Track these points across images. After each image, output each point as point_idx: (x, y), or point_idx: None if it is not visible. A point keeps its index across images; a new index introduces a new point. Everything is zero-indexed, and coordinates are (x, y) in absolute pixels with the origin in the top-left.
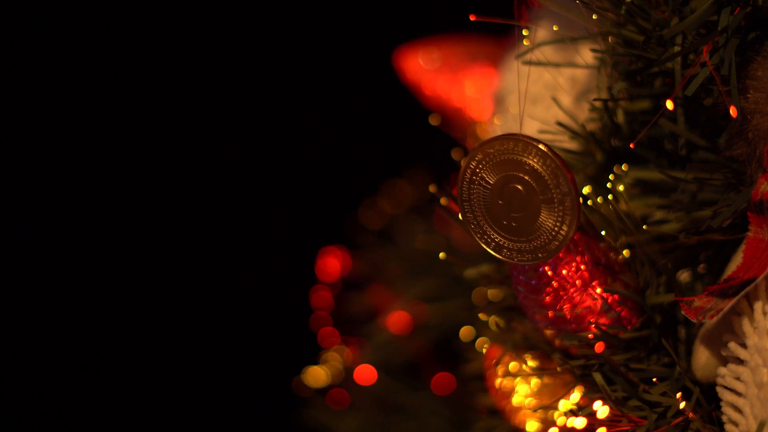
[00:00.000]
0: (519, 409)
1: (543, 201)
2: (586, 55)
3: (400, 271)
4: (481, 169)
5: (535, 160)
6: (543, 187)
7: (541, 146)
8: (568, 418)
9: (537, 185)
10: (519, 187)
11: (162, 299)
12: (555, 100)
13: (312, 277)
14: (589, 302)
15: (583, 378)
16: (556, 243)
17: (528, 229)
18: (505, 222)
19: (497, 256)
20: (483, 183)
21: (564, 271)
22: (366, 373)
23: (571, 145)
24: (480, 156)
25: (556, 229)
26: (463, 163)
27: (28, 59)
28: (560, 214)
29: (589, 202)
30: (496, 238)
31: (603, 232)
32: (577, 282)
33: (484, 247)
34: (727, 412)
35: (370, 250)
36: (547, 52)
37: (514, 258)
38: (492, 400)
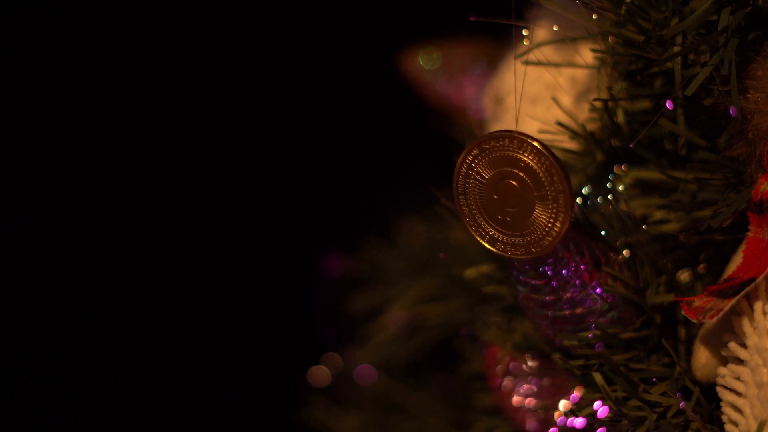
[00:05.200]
0: (519, 409)
1: (537, 197)
2: (586, 55)
3: (400, 271)
4: (476, 164)
5: (530, 157)
6: (537, 183)
7: (535, 143)
8: (568, 418)
9: (531, 182)
10: (514, 183)
11: (162, 299)
12: (555, 100)
13: (312, 277)
14: (589, 302)
15: (583, 378)
16: (550, 239)
17: (522, 224)
18: (499, 216)
19: (491, 249)
20: (478, 177)
21: (564, 271)
22: (366, 373)
23: (571, 145)
24: (476, 151)
25: (549, 225)
26: (459, 158)
27: (28, 59)
28: (554, 210)
29: (589, 202)
30: (491, 231)
31: (603, 232)
32: (577, 282)
33: (479, 239)
34: (727, 412)
35: (370, 250)
36: (547, 52)
37: (508, 252)
38: (492, 400)
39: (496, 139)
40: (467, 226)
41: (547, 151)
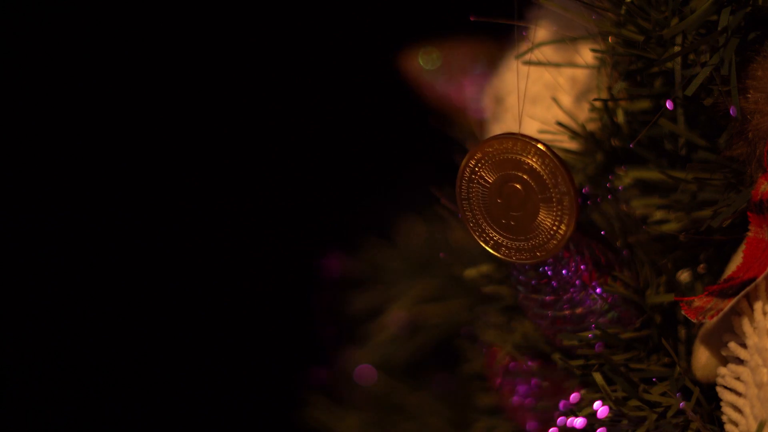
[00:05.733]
0: (519, 409)
1: (541, 200)
2: (586, 55)
3: (400, 271)
4: (480, 168)
5: (533, 160)
6: (541, 186)
7: (539, 146)
8: (568, 418)
9: (535, 184)
10: (518, 186)
11: (162, 299)
12: (555, 100)
13: (312, 277)
14: (589, 302)
15: (583, 378)
16: (555, 242)
17: (526, 227)
18: (503, 221)
19: (496, 254)
20: (482, 182)
21: (564, 271)
22: (366, 373)
23: (571, 145)
24: (479, 155)
25: (554, 228)
26: (462, 162)
27: (28, 59)
28: (558, 213)
29: (589, 202)
30: (495, 236)
31: (603, 232)
32: (577, 282)
33: (483, 245)
34: (727, 412)
35: (370, 250)
36: (547, 52)
37: (512, 257)
38: (492, 400)
39: (500, 142)
40: (471, 231)
41: (551, 153)
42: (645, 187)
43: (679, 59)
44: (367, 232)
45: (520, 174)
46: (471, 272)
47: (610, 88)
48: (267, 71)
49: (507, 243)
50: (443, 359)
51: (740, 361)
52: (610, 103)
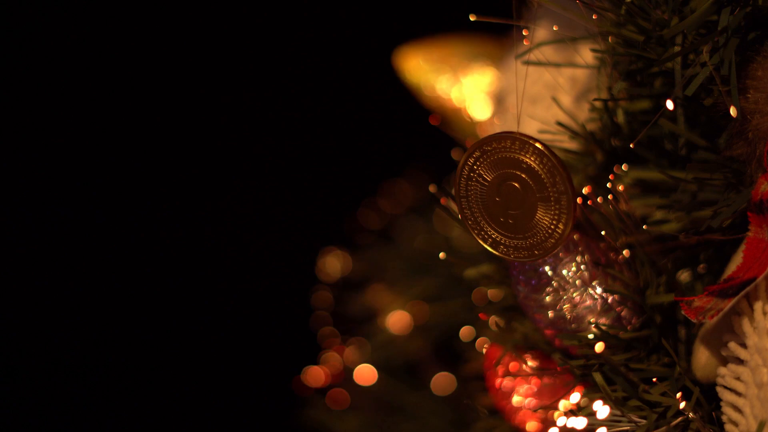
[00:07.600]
0: (519, 409)
1: (539, 199)
2: (586, 55)
3: (400, 271)
4: (478, 166)
5: (532, 159)
6: (540, 185)
7: (537, 145)
8: (568, 418)
9: (534, 183)
10: (516, 184)
11: (162, 299)
12: (555, 100)
13: (312, 277)
14: (589, 302)
15: (583, 378)
16: (553, 241)
17: (525, 226)
18: (502, 219)
19: (494, 252)
20: (480, 180)
21: (564, 271)
22: (366, 373)
23: (571, 145)
24: (478, 153)
25: (552, 227)
26: (460, 160)
27: (28, 59)
28: (556, 212)
29: (589, 202)
30: (493, 234)
31: (603, 232)
32: (577, 282)
33: (481, 243)
34: (727, 412)
35: (370, 250)
36: (547, 52)
37: (510, 254)
38: (492, 400)
39: (498, 141)
40: (469, 229)
41: (549, 152)
42: (645, 187)
43: (679, 59)
44: (367, 232)
45: (518, 173)
46: (471, 272)
47: (610, 88)
48: (267, 71)
49: (505, 241)
50: (443, 359)
51: (740, 361)
52: (610, 103)
